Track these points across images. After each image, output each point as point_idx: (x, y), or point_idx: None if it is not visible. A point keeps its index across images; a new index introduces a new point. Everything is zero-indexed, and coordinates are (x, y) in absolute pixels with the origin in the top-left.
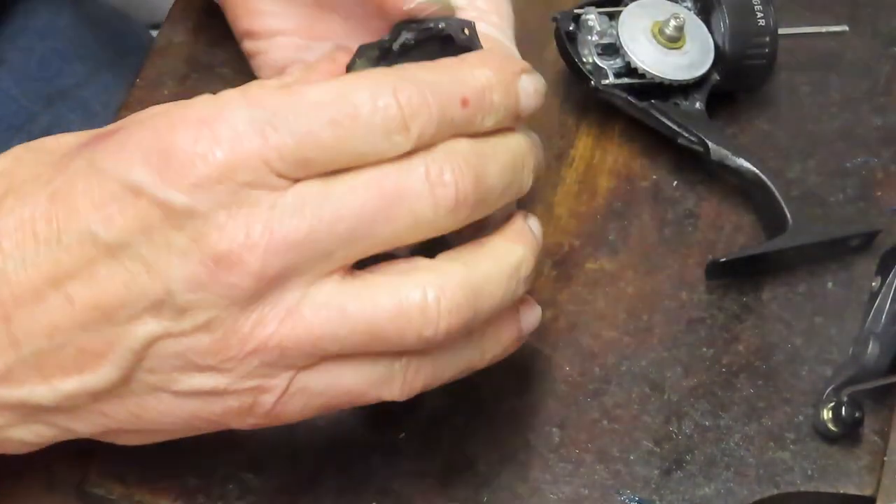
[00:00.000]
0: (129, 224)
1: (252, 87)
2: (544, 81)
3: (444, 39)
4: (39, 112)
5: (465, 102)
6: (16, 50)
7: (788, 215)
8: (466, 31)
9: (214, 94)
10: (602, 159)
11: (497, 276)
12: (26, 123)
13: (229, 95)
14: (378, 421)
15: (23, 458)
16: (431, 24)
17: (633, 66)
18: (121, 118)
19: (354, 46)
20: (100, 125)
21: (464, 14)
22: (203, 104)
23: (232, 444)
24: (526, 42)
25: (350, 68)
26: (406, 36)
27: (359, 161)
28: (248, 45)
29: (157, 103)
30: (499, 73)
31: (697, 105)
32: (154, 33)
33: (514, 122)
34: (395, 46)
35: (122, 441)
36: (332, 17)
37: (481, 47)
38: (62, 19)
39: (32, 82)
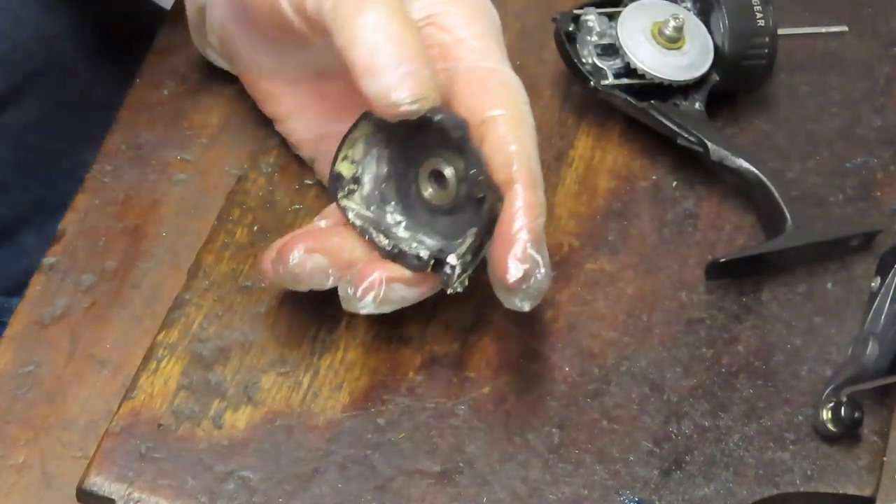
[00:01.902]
0: None
1: None
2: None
3: (440, 129)
4: (34, 50)
5: None
6: None
7: (788, 215)
8: (460, 130)
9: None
10: (602, 159)
11: None
12: (21, 61)
13: None
14: (378, 420)
15: (22, 458)
16: (429, 115)
17: (632, 66)
18: (122, 117)
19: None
20: (94, 60)
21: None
22: None
23: (232, 444)
24: (526, 42)
25: (355, 127)
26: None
27: None
28: (279, 128)
29: (158, 103)
30: None
31: (697, 105)
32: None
33: None
34: (397, 120)
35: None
36: (338, 83)
37: (471, 142)
38: None
39: (27, 22)
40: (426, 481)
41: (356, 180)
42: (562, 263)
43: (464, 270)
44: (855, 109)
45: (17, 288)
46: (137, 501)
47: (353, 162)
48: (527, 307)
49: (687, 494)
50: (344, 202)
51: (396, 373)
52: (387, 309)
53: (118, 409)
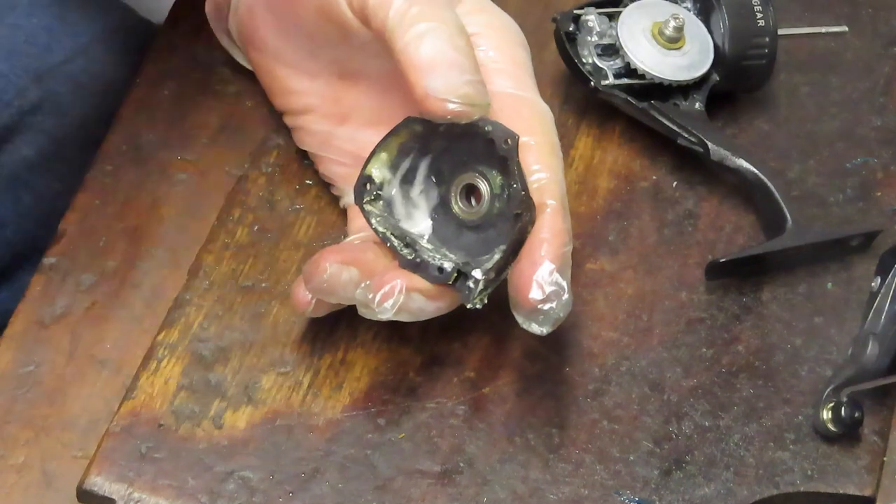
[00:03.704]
0: None
1: None
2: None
3: (487, 140)
4: (28, 87)
5: None
6: (3, 27)
7: (788, 215)
8: (509, 142)
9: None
10: (602, 160)
11: None
12: (15, 98)
13: None
14: (378, 420)
15: (22, 458)
16: (480, 124)
17: (632, 66)
18: (122, 117)
19: (380, 117)
20: (89, 99)
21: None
22: None
23: (232, 444)
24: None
25: (393, 132)
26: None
27: None
28: (287, 121)
29: (157, 103)
30: None
31: (697, 105)
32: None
33: None
34: (441, 128)
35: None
36: (356, 89)
37: (518, 159)
38: None
39: (21, 58)
40: (426, 481)
41: (384, 186)
42: None
43: (486, 287)
44: (855, 109)
45: None
46: (138, 501)
47: (383, 166)
48: (545, 330)
49: (687, 494)
50: (368, 207)
51: (396, 373)
52: (404, 318)
53: (118, 409)
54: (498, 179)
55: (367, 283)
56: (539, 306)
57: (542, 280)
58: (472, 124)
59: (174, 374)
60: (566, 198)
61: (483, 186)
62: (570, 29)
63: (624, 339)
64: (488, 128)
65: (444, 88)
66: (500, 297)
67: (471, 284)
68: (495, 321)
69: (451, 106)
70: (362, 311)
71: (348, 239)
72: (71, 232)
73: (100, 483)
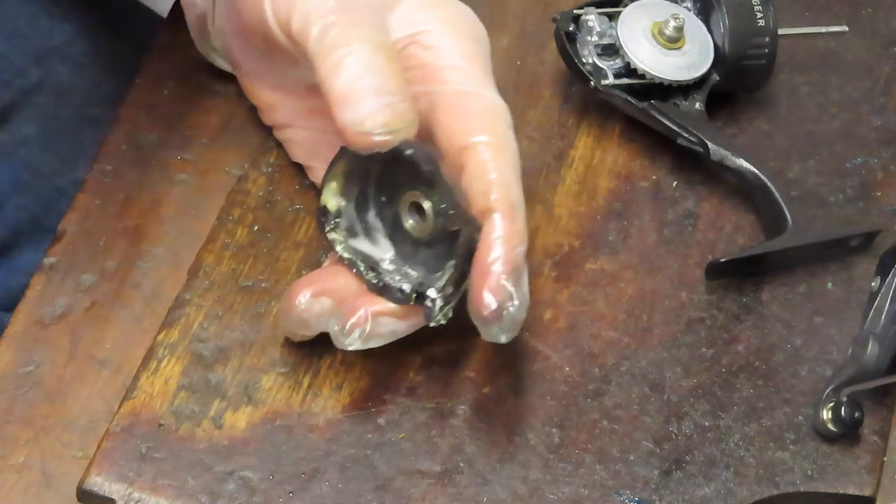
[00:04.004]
0: None
1: None
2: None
3: (411, 162)
4: (28, 67)
5: None
6: (3, 9)
7: (788, 215)
8: (430, 164)
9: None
10: (602, 159)
11: None
12: (15, 77)
13: None
14: (378, 420)
15: (22, 458)
16: (402, 147)
17: (632, 66)
18: (122, 117)
19: None
20: (90, 79)
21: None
22: None
23: (232, 444)
24: (526, 42)
25: (335, 162)
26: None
27: None
28: (275, 135)
29: (157, 103)
30: None
31: (697, 105)
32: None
33: None
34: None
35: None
36: (322, 99)
37: (442, 176)
38: None
39: (21, 40)
40: (426, 481)
41: (340, 213)
42: (562, 263)
43: (446, 303)
44: (855, 109)
45: (13, 304)
46: (138, 501)
47: (336, 195)
48: (503, 339)
49: (687, 494)
50: (331, 235)
51: (396, 373)
52: (376, 343)
53: (118, 409)
54: (435, 196)
55: (337, 313)
56: (492, 317)
57: (491, 289)
58: (395, 148)
59: (174, 374)
60: (519, 196)
61: (426, 204)
62: (570, 29)
63: (624, 339)
64: (409, 151)
65: (358, 120)
66: None
67: (428, 304)
68: None
69: (367, 138)
70: (335, 342)
71: (322, 256)
72: (71, 232)
73: (100, 483)
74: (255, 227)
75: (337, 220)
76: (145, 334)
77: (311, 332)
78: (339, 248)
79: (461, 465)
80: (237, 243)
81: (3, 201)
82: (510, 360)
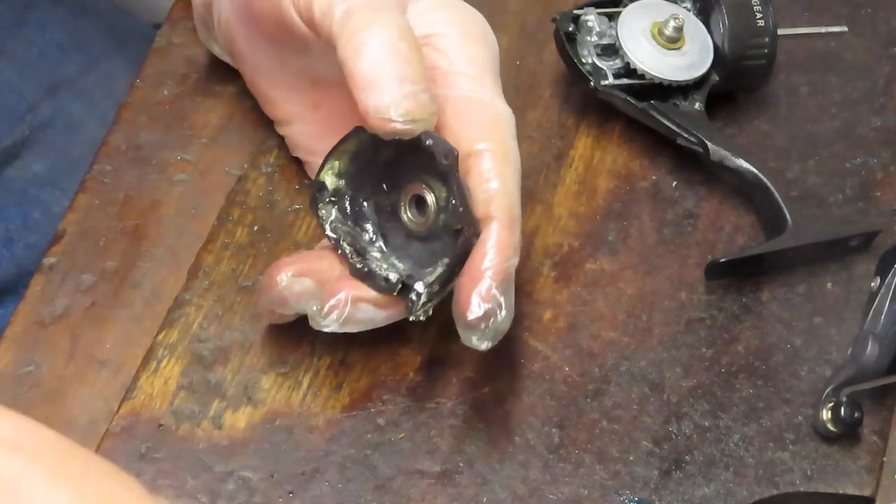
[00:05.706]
0: None
1: None
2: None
3: (430, 153)
4: (41, 101)
5: None
6: (15, 41)
7: (788, 215)
8: (449, 158)
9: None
10: (602, 160)
11: None
12: (27, 113)
13: None
14: (378, 420)
15: None
16: (422, 137)
17: (632, 66)
18: (122, 117)
19: (359, 120)
20: (101, 114)
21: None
22: None
23: (232, 444)
24: (526, 42)
25: (344, 141)
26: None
27: None
28: (277, 130)
29: (157, 103)
30: None
31: (697, 105)
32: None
33: None
34: (389, 138)
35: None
36: (330, 94)
37: (458, 172)
38: (60, 11)
39: (33, 73)
40: (426, 481)
41: (337, 193)
42: (561, 263)
43: (429, 299)
44: (855, 109)
45: None
46: None
47: (337, 174)
48: (483, 347)
49: (687, 494)
50: (322, 212)
51: (396, 373)
52: (352, 329)
53: (118, 409)
54: (443, 192)
55: (318, 294)
56: (477, 322)
57: (481, 295)
58: (415, 137)
59: (174, 374)
60: (518, 208)
61: (430, 198)
62: (570, 29)
63: (624, 339)
64: (429, 142)
65: (384, 106)
66: None
67: (413, 297)
68: None
69: (391, 125)
70: (312, 323)
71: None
72: (71, 232)
73: None
74: (255, 227)
75: (332, 198)
76: (145, 334)
77: (288, 312)
78: (327, 226)
79: (461, 464)
80: (237, 243)
81: (12, 238)
82: (510, 361)
